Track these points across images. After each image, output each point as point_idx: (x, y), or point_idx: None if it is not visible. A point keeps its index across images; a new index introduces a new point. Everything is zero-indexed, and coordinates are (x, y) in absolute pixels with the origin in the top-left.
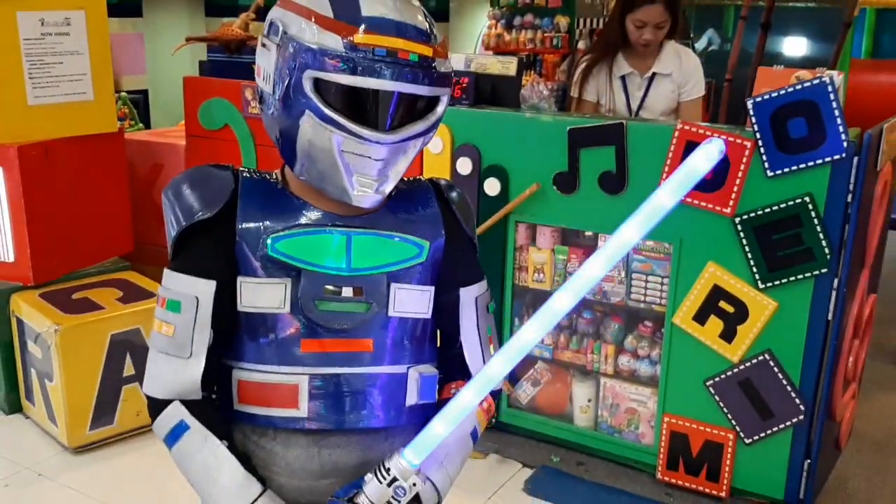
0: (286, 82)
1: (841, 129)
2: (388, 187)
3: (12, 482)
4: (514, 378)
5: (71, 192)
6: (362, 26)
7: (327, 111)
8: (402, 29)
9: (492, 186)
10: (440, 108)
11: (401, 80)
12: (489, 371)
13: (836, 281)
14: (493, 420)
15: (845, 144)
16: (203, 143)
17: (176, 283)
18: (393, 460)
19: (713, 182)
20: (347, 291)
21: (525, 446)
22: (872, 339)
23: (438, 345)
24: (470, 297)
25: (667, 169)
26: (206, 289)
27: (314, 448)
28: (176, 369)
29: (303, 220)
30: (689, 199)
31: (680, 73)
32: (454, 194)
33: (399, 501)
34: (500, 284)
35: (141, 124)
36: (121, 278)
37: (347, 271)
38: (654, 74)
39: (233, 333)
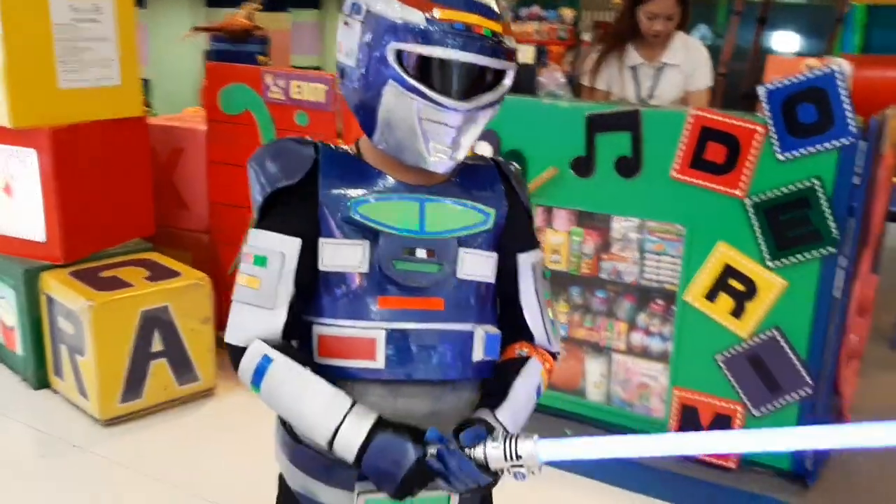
0: (370, 54)
1: (849, 114)
2: (461, 154)
3: (48, 453)
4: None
5: (98, 175)
6: (441, 3)
7: (409, 80)
8: (476, 6)
9: None
10: (507, 81)
11: (475, 52)
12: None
13: (842, 260)
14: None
15: (853, 129)
16: (224, 128)
17: (264, 240)
18: (528, 444)
19: (725, 165)
20: (421, 253)
21: (539, 420)
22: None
23: (499, 309)
24: (527, 262)
25: (681, 153)
26: (292, 245)
27: (389, 398)
28: (259, 318)
29: (379, 187)
30: (701, 182)
31: (688, 63)
32: (512, 168)
33: (510, 475)
34: None
35: (155, 110)
36: (146, 258)
37: (421, 234)
38: (663, 65)
39: (312, 292)
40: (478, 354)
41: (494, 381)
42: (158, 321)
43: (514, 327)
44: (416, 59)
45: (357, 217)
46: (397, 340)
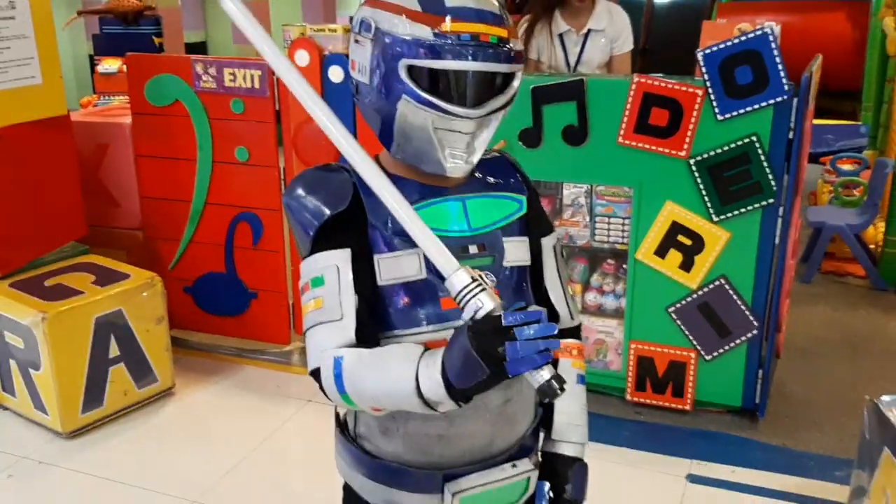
0: (383, 71)
1: (782, 74)
2: (476, 158)
3: (15, 472)
4: None
5: (25, 179)
6: (448, 16)
7: (422, 94)
8: (482, 15)
9: None
10: (516, 83)
11: (484, 60)
12: None
13: (780, 209)
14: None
15: (786, 87)
16: (152, 121)
17: (315, 262)
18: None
19: (668, 129)
20: (473, 249)
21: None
22: None
23: None
24: (549, 245)
25: (625, 119)
26: (342, 256)
27: None
28: (331, 332)
29: (417, 195)
30: (646, 145)
31: (612, 28)
32: (514, 158)
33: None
34: None
35: None
36: (87, 262)
37: (469, 231)
38: (589, 31)
39: (377, 310)
40: None
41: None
42: (113, 326)
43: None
44: (428, 71)
45: None
46: None
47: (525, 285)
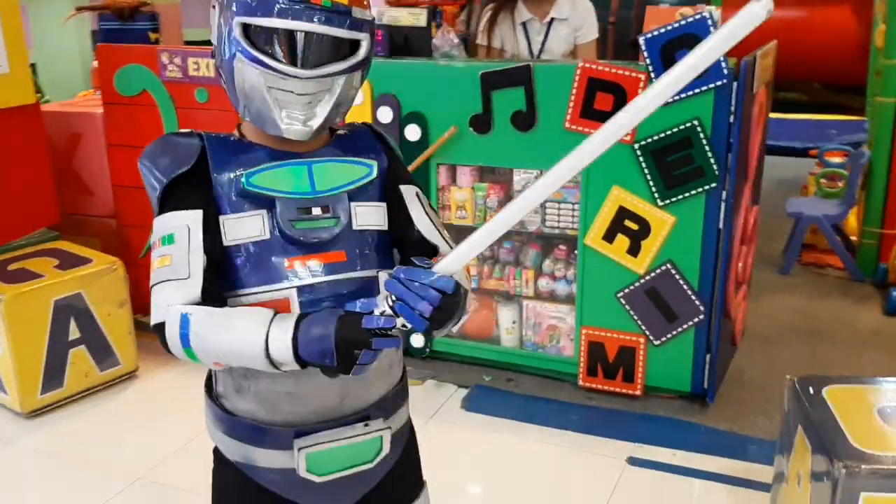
0: (223, 32)
1: (721, 57)
2: (316, 122)
3: None
4: None
5: None
6: None
7: (251, 51)
8: None
9: (412, 132)
10: (361, 51)
11: (312, 21)
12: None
13: (724, 194)
14: (427, 348)
15: (725, 71)
16: (121, 110)
17: (167, 220)
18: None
19: (613, 113)
20: (316, 211)
21: (458, 370)
22: (758, 249)
23: (401, 246)
24: (411, 192)
25: (571, 104)
26: (194, 217)
27: None
28: (177, 289)
29: (266, 160)
30: (592, 130)
31: (575, 17)
32: (383, 132)
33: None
34: None
35: (48, 96)
36: (53, 248)
37: (313, 194)
38: (552, 20)
39: (224, 269)
40: None
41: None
42: (73, 309)
43: (420, 251)
44: (261, 31)
45: (251, 188)
46: (308, 294)
47: (379, 250)
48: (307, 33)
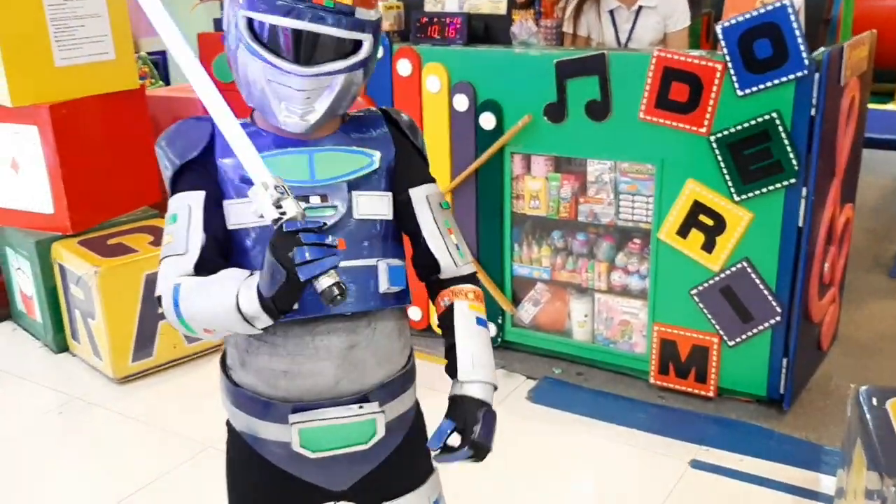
0: (231, 21)
1: (802, 48)
2: (314, 117)
3: (66, 410)
4: (516, 300)
5: (100, 147)
6: None
7: (253, 44)
8: None
9: (487, 121)
10: (362, 51)
11: (314, 21)
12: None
13: (804, 190)
14: (499, 337)
15: (807, 62)
16: None
17: (175, 201)
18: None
19: (688, 104)
20: (315, 199)
21: (529, 361)
22: (868, 251)
23: (411, 248)
24: (420, 195)
25: (646, 94)
26: (196, 197)
27: (307, 336)
28: (174, 264)
29: (270, 147)
30: (667, 121)
31: (665, 4)
32: (403, 117)
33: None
34: (499, 213)
35: (162, 82)
36: (151, 225)
37: (312, 182)
38: (640, 8)
39: (232, 252)
40: (383, 285)
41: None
42: None
43: (425, 262)
44: (264, 25)
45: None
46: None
47: (382, 239)
48: (308, 32)
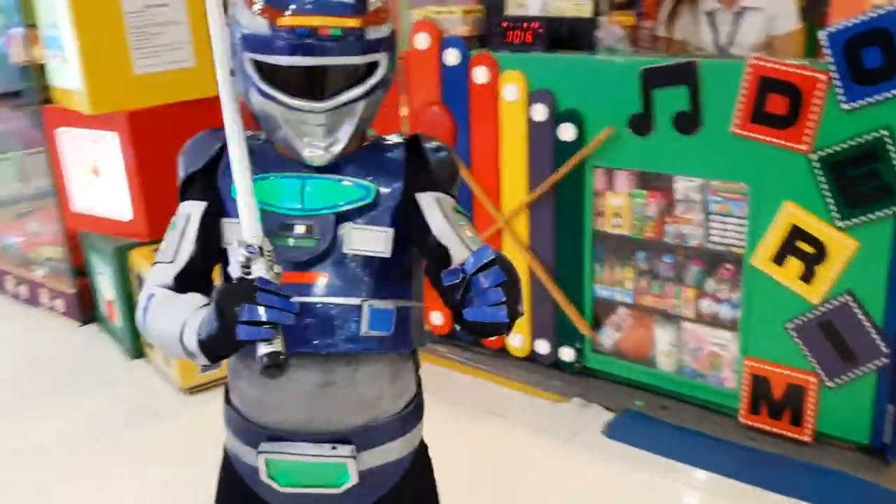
0: (237, 60)
1: None
2: (338, 147)
3: (132, 419)
4: (596, 323)
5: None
6: (285, 10)
7: (264, 87)
8: (323, 7)
9: (567, 132)
10: (379, 72)
11: (323, 54)
12: None
13: None
14: (577, 363)
15: None
16: None
17: (178, 210)
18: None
19: (787, 118)
20: (299, 228)
21: (609, 390)
22: None
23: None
24: (429, 198)
25: (740, 106)
26: (196, 208)
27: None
28: (160, 271)
29: (273, 170)
30: (763, 137)
31: (772, 5)
32: (432, 145)
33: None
34: (579, 230)
35: None
36: None
37: (300, 211)
38: (743, 9)
39: (224, 270)
40: (364, 328)
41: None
42: None
43: (437, 262)
44: (269, 65)
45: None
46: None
47: (373, 278)
48: (319, 66)
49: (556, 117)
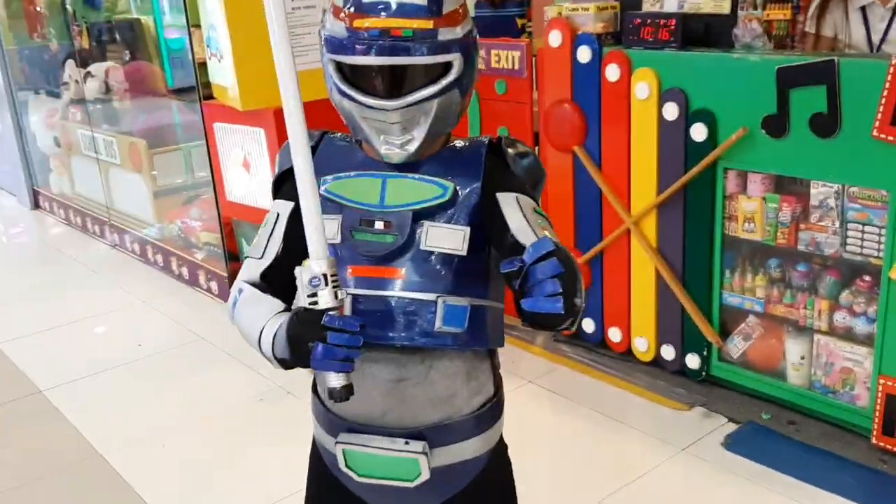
0: (324, 62)
1: None
2: (414, 146)
3: (266, 397)
4: (724, 331)
5: None
6: (361, 12)
7: (342, 85)
8: (395, 9)
9: (699, 132)
10: (453, 72)
11: (394, 54)
12: None
13: None
14: (703, 371)
15: None
16: None
17: (272, 207)
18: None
19: None
20: (379, 225)
21: (733, 401)
22: None
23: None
24: (508, 197)
25: (882, 108)
26: (284, 207)
27: (357, 361)
28: (250, 266)
29: (355, 168)
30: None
31: None
32: (515, 148)
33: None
34: (709, 234)
35: None
36: None
37: (380, 208)
38: None
39: None
40: (438, 323)
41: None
42: None
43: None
44: (347, 65)
45: (326, 194)
46: (360, 305)
47: (450, 274)
48: (382, 66)
49: (688, 117)
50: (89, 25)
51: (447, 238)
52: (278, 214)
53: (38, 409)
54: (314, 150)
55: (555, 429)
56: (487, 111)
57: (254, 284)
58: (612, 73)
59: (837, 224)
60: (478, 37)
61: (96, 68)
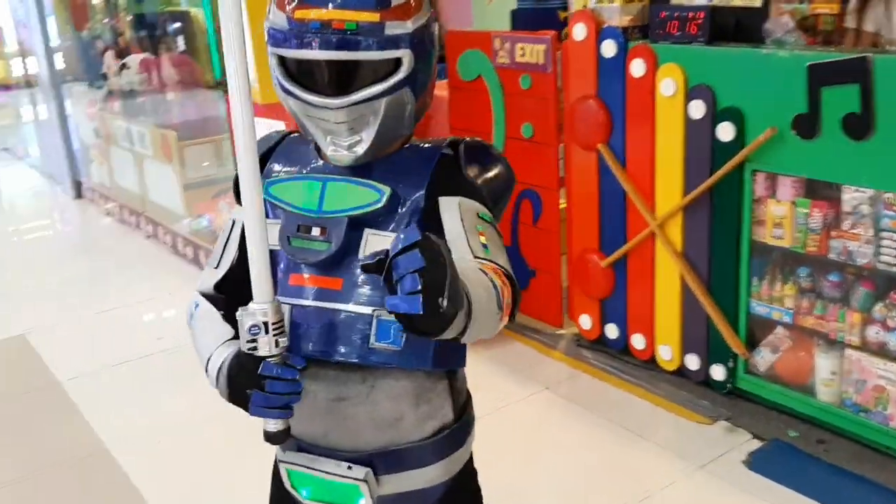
0: (270, 57)
1: None
2: (362, 147)
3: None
4: (751, 342)
5: None
6: (303, 2)
7: (284, 82)
8: (340, 0)
9: (726, 131)
10: (402, 69)
11: (335, 48)
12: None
13: None
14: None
15: None
16: (461, 95)
17: (233, 213)
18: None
19: None
20: (315, 231)
21: (759, 416)
22: None
23: None
24: (451, 202)
25: None
26: (239, 214)
27: (301, 376)
28: (205, 275)
29: (301, 170)
30: None
31: None
32: (471, 153)
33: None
34: (735, 239)
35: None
36: None
37: (317, 213)
38: None
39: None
40: (371, 339)
41: None
42: None
43: None
44: (290, 60)
45: (267, 197)
46: (298, 317)
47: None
48: (324, 61)
49: (715, 115)
50: (135, 18)
51: (386, 247)
52: (233, 222)
53: (54, 402)
54: (272, 151)
55: (567, 438)
56: (512, 107)
57: (208, 296)
58: (636, 68)
59: (871, 232)
60: (436, 31)
61: (131, 60)
